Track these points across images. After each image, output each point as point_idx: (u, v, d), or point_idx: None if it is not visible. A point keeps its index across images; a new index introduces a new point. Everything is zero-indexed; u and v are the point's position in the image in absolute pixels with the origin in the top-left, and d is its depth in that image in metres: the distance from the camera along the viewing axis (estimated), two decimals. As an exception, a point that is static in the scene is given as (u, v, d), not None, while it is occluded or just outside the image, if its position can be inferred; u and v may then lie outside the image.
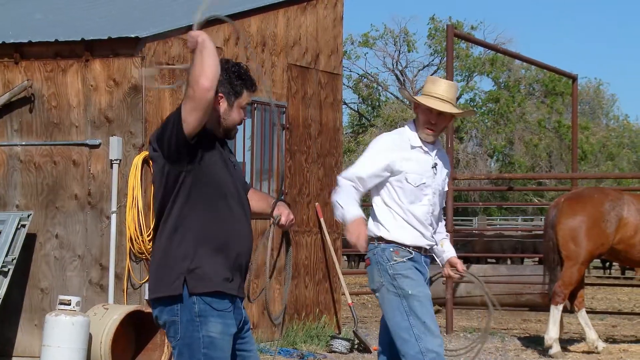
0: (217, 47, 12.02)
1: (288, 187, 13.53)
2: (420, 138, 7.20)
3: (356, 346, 12.75)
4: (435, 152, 7.33)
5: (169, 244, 5.44)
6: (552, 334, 12.45)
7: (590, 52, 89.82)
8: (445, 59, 18.57)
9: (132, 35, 11.52)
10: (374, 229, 7.24)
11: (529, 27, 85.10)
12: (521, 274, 17.15)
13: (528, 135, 45.39)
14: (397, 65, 49.58)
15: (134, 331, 10.89)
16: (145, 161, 11.30)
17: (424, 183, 7.23)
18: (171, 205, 5.46)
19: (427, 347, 7.11)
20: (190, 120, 5.31)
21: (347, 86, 47.67)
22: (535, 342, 13.34)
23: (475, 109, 44.70)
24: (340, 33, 14.72)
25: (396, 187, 7.22)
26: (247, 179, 13.21)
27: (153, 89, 11.14)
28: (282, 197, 6.77)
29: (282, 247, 6.29)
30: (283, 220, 5.79)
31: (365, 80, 49.09)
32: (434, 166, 7.33)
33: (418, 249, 7.29)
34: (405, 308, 7.12)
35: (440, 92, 7.20)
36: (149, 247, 11.29)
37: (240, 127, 13.35)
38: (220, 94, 5.52)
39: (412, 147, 7.23)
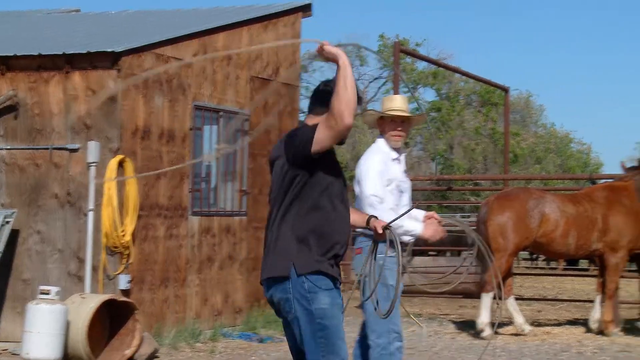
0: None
1: (250, 187, 13.46)
2: (392, 148, 7.58)
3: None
4: (403, 157, 7.69)
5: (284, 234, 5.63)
6: (484, 318, 12.45)
7: (522, 67, 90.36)
8: (393, 72, 18.58)
9: (109, 50, 11.44)
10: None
11: (468, 44, 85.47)
12: (458, 265, 17.15)
13: (466, 141, 45.60)
14: None
15: (109, 318, 10.75)
16: (120, 163, 11.23)
17: (406, 186, 7.66)
18: (289, 201, 5.61)
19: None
20: (324, 144, 5.46)
21: (306, 97, 47.62)
22: (469, 326, 13.29)
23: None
24: (298, 48, 14.68)
25: (387, 193, 7.51)
26: (213, 180, 13.25)
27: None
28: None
29: None
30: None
31: None
32: (405, 171, 7.71)
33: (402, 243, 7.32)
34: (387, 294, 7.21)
35: (398, 105, 7.61)
36: (122, 241, 11.36)
37: (206, 132, 13.30)
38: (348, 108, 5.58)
39: (392, 160, 7.57)
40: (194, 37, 12.63)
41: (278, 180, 5.70)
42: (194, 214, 12.54)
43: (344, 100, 5.34)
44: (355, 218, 6.22)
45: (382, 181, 7.49)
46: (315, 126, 5.48)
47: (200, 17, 14.39)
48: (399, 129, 7.60)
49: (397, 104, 7.65)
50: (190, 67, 12.52)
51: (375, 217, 6.47)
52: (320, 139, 5.44)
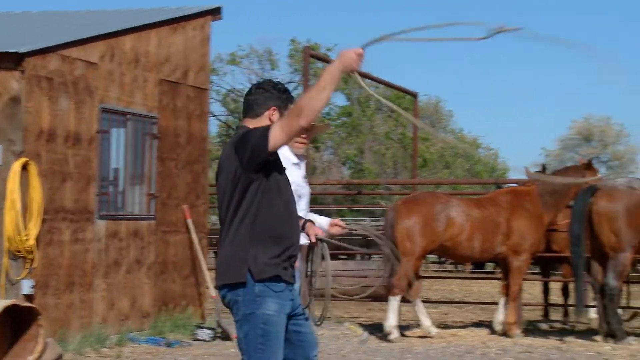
0: (93, 63, 11.99)
1: (158, 191, 13.35)
2: (293, 153, 7.77)
3: (219, 334, 12.69)
4: (304, 163, 7.79)
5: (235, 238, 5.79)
6: (391, 321, 12.52)
7: (432, 73, 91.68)
8: (303, 76, 18.61)
9: (13, 51, 11.24)
10: None
11: (380, 50, 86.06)
12: (367, 269, 17.18)
13: (376, 146, 45.92)
14: None
15: (11, 324, 10.47)
16: (24, 167, 11.04)
17: (303, 190, 7.84)
18: (239, 206, 5.75)
19: None
20: (279, 142, 5.59)
21: (216, 100, 47.35)
22: (377, 329, 13.33)
23: (330, 122, 45.20)
24: (208, 52, 14.67)
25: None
26: (120, 184, 13.14)
27: None
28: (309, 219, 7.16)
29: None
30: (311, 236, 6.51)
31: (232, 94, 48.88)
32: (305, 176, 7.83)
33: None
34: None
35: None
36: (26, 246, 11.13)
37: (114, 136, 13.13)
38: (273, 107, 5.88)
39: (293, 164, 7.73)
40: (101, 39, 12.49)
41: (230, 187, 5.78)
42: (101, 217, 12.39)
43: (313, 104, 5.46)
44: None
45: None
46: (267, 127, 5.59)
47: (108, 18, 14.25)
48: (304, 136, 7.75)
49: None
50: (97, 69, 12.41)
51: (312, 222, 6.60)
52: (274, 137, 5.53)
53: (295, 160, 7.78)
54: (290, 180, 7.24)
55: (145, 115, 13.19)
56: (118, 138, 12.90)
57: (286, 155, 7.66)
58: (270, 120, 5.83)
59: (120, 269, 12.73)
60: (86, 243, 12.11)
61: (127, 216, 12.97)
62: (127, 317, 12.79)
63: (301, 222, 6.38)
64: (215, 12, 14.61)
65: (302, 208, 7.77)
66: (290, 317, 5.84)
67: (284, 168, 5.93)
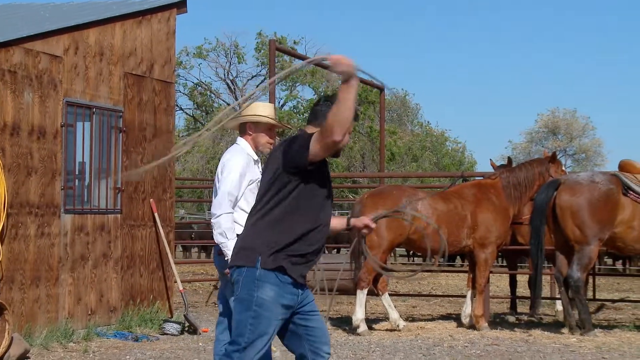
0: (57, 56, 11.91)
1: (125, 185, 13.31)
2: (255, 152, 7.89)
3: (186, 328, 12.67)
4: (259, 159, 7.93)
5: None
6: (359, 315, 12.53)
7: (399, 66, 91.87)
8: (269, 70, 18.52)
9: None
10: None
11: (347, 43, 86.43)
12: (336, 262, 17.19)
13: (344, 139, 45.99)
14: (228, 75, 49.51)
15: None
16: None
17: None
18: (270, 200, 5.97)
19: None
20: (317, 156, 5.79)
21: (183, 93, 47.39)
22: (345, 322, 13.36)
23: (298, 115, 45.22)
24: (173, 45, 14.61)
25: (247, 193, 7.79)
26: (87, 177, 13.09)
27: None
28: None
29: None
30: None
31: (199, 88, 48.81)
32: (257, 164, 7.92)
33: None
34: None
35: (273, 114, 8.01)
36: None
37: (79, 130, 13.04)
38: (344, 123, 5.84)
39: (254, 162, 7.87)
40: (65, 32, 12.40)
41: (268, 179, 6.02)
42: (67, 211, 12.34)
43: (339, 117, 5.59)
44: (334, 223, 6.39)
45: (242, 182, 7.77)
46: (311, 135, 5.77)
47: (72, 11, 14.13)
48: (273, 138, 7.95)
49: (271, 112, 8.00)
50: (61, 63, 12.35)
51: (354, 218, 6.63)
52: (313, 151, 5.72)
53: (256, 157, 7.90)
54: (253, 177, 7.86)
55: (111, 108, 13.12)
56: (83, 132, 12.82)
57: (248, 153, 7.92)
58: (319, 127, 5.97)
59: (86, 263, 12.67)
60: (52, 237, 12.05)
61: (93, 210, 12.90)
62: (94, 312, 12.75)
63: (344, 220, 6.57)
64: (180, 5, 14.57)
65: None
66: (296, 312, 6.03)
67: (328, 177, 6.09)
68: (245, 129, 7.98)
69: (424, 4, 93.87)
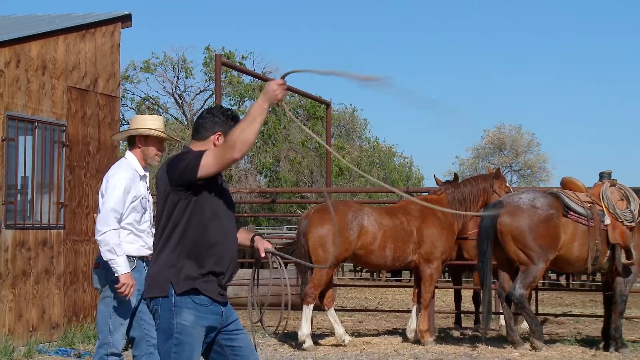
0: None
1: (68, 200, 13.21)
2: (145, 165, 7.99)
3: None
4: (147, 175, 8.04)
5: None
6: (305, 330, 12.52)
7: (348, 81, 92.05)
8: (215, 84, 18.54)
9: None
10: None
11: (297, 58, 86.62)
12: (282, 277, 17.15)
13: (293, 154, 46.11)
14: (176, 89, 49.39)
15: None
16: None
17: (148, 203, 8.00)
18: (167, 222, 5.94)
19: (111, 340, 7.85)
20: (210, 171, 5.77)
21: (130, 107, 47.23)
22: (292, 337, 13.31)
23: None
24: (118, 59, 14.60)
25: (130, 209, 7.80)
26: (29, 192, 12.95)
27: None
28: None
29: None
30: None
31: (147, 102, 48.69)
32: (148, 188, 8.08)
33: (141, 257, 7.89)
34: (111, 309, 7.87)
35: (160, 126, 8.06)
36: None
37: (21, 144, 12.94)
38: (219, 132, 6.05)
39: (140, 178, 7.91)
40: (6, 45, 12.36)
41: (161, 202, 5.96)
42: (8, 227, 12.23)
43: (245, 137, 5.64)
44: (240, 237, 6.36)
45: (126, 198, 7.79)
46: (201, 152, 5.76)
47: (14, 24, 14.09)
48: (162, 150, 8.05)
49: (161, 124, 8.07)
50: (2, 76, 12.26)
51: (260, 236, 6.62)
52: (206, 165, 5.71)
53: (142, 172, 7.94)
54: (138, 193, 7.95)
55: (54, 122, 13.07)
56: (25, 146, 12.75)
57: (134, 168, 7.94)
58: (214, 144, 6.03)
59: (28, 279, 12.56)
60: None
61: (36, 225, 12.80)
62: (36, 328, 12.67)
63: (250, 236, 6.50)
64: (125, 19, 14.61)
65: (147, 219, 8.03)
66: (220, 331, 5.99)
67: (224, 190, 6.05)
68: (134, 142, 7.96)
69: (369, 19, 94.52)
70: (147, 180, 8.07)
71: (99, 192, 7.90)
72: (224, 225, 6.01)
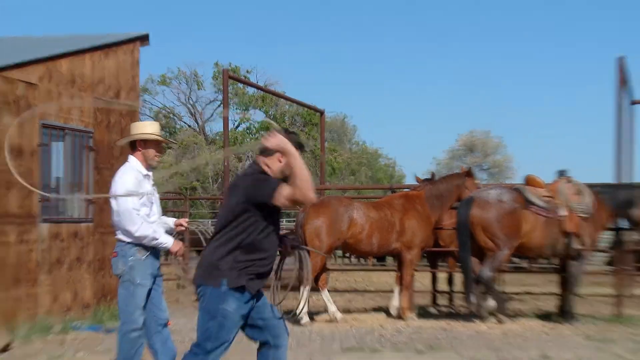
0: (32, 84, 11.81)
1: (96, 198, 13.18)
2: (147, 166, 7.92)
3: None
4: (150, 174, 7.97)
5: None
6: (302, 308, 12.45)
7: (338, 91, 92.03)
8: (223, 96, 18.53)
9: None
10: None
11: (294, 71, 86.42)
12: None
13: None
14: (189, 100, 49.12)
15: None
16: None
17: (154, 198, 7.94)
18: (231, 224, 6.07)
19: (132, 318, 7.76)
20: (283, 204, 5.94)
21: (149, 116, 46.96)
22: (290, 314, 13.25)
23: (251, 135, 45.24)
24: (137, 74, 14.55)
25: (140, 205, 7.70)
26: (61, 191, 13.01)
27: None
28: None
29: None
30: None
31: (163, 111, 48.51)
32: (153, 184, 7.99)
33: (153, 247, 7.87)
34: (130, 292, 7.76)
35: (156, 130, 7.98)
36: None
37: (54, 149, 12.88)
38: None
39: (144, 177, 7.82)
40: (40, 62, 12.37)
41: (232, 207, 6.11)
42: (44, 221, 12.25)
43: (304, 184, 5.82)
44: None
45: (137, 192, 7.72)
46: (277, 184, 5.97)
47: (46, 43, 14.05)
48: (155, 151, 7.94)
49: (158, 129, 8.01)
50: (36, 89, 12.22)
51: (287, 237, 6.71)
52: (283, 200, 5.91)
53: (145, 172, 7.90)
54: (144, 190, 7.90)
55: (82, 130, 13.05)
56: (58, 150, 12.73)
57: (138, 169, 7.88)
58: (278, 160, 6.18)
59: (62, 266, 12.60)
60: (30, 244, 11.97)
61: (68, 219, 12.83)
62: (70, 309, 12.72)
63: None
64: (143, 39, 14.60)
65: (155, 212, 7.98)
66: (250, 312, 6.16)
67: (279, 210, 6.13)
68: (135, 146, 7.90)
69: (357, 34, 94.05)
70: (151, 178, 8.01)
71: (111, 190, 7.85)
72: (274, 239, 6.17)
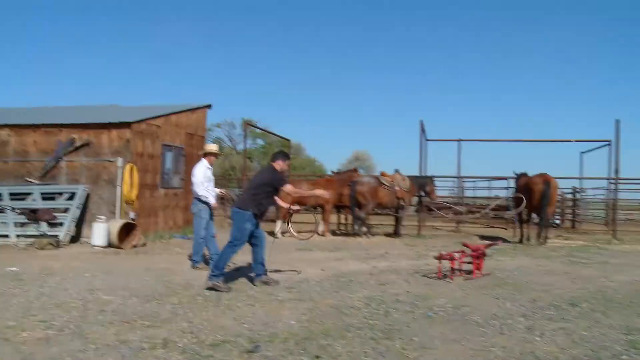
0: (158, 126, 11.57)
1: (185, 177, 12.48)
2: (209, 164, 7.38)
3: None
4: (211, 167, 7.40)
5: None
6: (277, 229, 11.97)
7: (297, 124, 68.42)
8: (244, 136, 16.67)
9: (125, 120, 10.73)
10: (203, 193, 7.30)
11: (271, 114, 66.42)
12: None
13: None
14: (229, 134, 44.61)
15: (126, 229, 10.39)
16: (130, 168, 10.57)
17: (212, 178, 7.47)
18: (258, 192, 5.75)
19: (201, 234, 7.30)
20: (284, 188, 5.65)
21: (211, 141, 39.46)
22: (270, 235, 11.87)
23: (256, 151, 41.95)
24: (205, 121, 13.62)
25: (207, 180, 7.37)
26: (170, 174, 12.24)
27: None
28: None
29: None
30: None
31: (217, 139, 42.71)
32: (211, 171, 7.44)
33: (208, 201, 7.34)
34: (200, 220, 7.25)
35: (215, 148, 7.59)
36: (131, 199, 10.74)
37: (168, 155, 12.12)
38: (281, 159, 5.96)
39: (208, 168, 7.43)
40: (162, 117, 12.03)
41: (258, 181, 5.91)
42: (162, 187, 11.73)
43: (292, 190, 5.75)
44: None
45: (204, 176, 7.33)
46: (284, 178, 5.81)
47: (162, 109, 12.94)
48: (214, 157, 7.55)
49: (216, 148, 7.57)
50: (160, 127, 11.74)
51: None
52: (287, 186, 5.79)
53: (209, 167, 7.48)
54: (209, 174, 7.34)
55: (179, 147, 12.70)
56: (168, 156, 12.33)
57: (206, 165, 7.42)
58: (279, 164, 6.00)
59: (169, 208, 11.99)
60: (155, 197, 11.59)
61: (171, 187, 12.28)
62: (172, 228, 12.09)
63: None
64: (209, 106, 14.05)
65: (212, 185, 7.45)
66: (254, 229, 5.98)
67: (278, 188, 5.77)
68: (206, 155, 7.52)
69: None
70: (211, 169, 7.46)
71: (192, 174, 7.46)
72: (273, 199, 6.01)
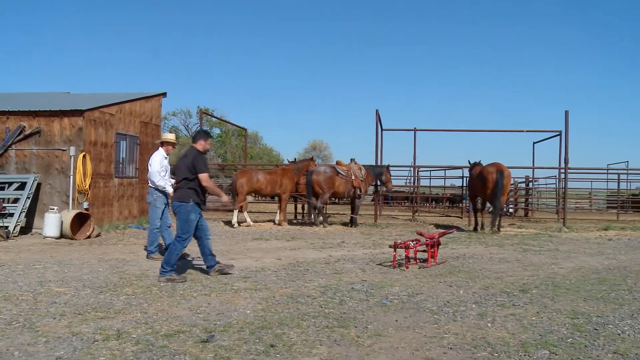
0: (112, 114, 11.41)
1: (139, 167, 12.39)
2: (165, 153, 7.27)
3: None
4: (167, 157, 7.33)
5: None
6: (234, 220, 12.01)
7: (255, 113, 69.94)
8: (200, 124, 16.45)
9: (79, 108, 10.59)
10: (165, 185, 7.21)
11: (226, 101, 68.47)
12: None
13: (232, 150, 44.82)
14: (186, 122, 45.61)
15: (79, 219, 10.28)
16: (83, 156, 10.41)
17: (168, 167, 7.35)
18: (188, 176, 5.60)
19: (155, 224, 7.23)
20: (203, 174, 5.48)
21: (166, 129, 42.10)
22: (228, 224, 12.37)
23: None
24: (160, 110, 13.50)
25: (163, 169, 7.27)
26: (125, 163, 12.07)
27: None
28: None
29: None
30: None
31: (173, 127, 43.50)
32: (168, 161, 7.35)
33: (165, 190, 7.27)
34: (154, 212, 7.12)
35: (172, 137, 7.43)
36: (84, 188, 10.62)
37: (121, 144, 11.99)
38: (203, 139, 5.80)
39: (164, 158, 7.31)
40: (116, 105, 11.76)
41: (186, 166, 5.78)
42: (116, 177, 11.68)
43: (209, 184, 5.61)
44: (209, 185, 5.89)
45: (160, 165, 7.23)
46: (205, 164, 5.65)
47: (114, 97, 12.76)
48: (171, 147, 7.42)
49: (173, 137, 7.42)
50: (114, 116, 11.50)
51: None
52: (204, 175, 5.65)
53: (165, 156, 7.37)
54: (164, 163, 7.24)
55: (134, 135, 12.52)
56: (123, 145, 12.17)
57: (162, 154, 7.31)
58: (201, 144, 5.86)
59: (123, 198, 11.87)
60: (109, 187, 11.54)
61: (126, 176, 12.21)
62: (127, 218, 11.99)
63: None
64: (164, 95, 13.84)
65: (167, 175, 7.36)
66: (198, 220, 5.86)
67: (200, 172, 5.65)
68: (163, 144, 7.41)
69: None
70: (167, 158, 7.39)
71: (148, 163, 7.41)
72: (204, 181, 5.81)
